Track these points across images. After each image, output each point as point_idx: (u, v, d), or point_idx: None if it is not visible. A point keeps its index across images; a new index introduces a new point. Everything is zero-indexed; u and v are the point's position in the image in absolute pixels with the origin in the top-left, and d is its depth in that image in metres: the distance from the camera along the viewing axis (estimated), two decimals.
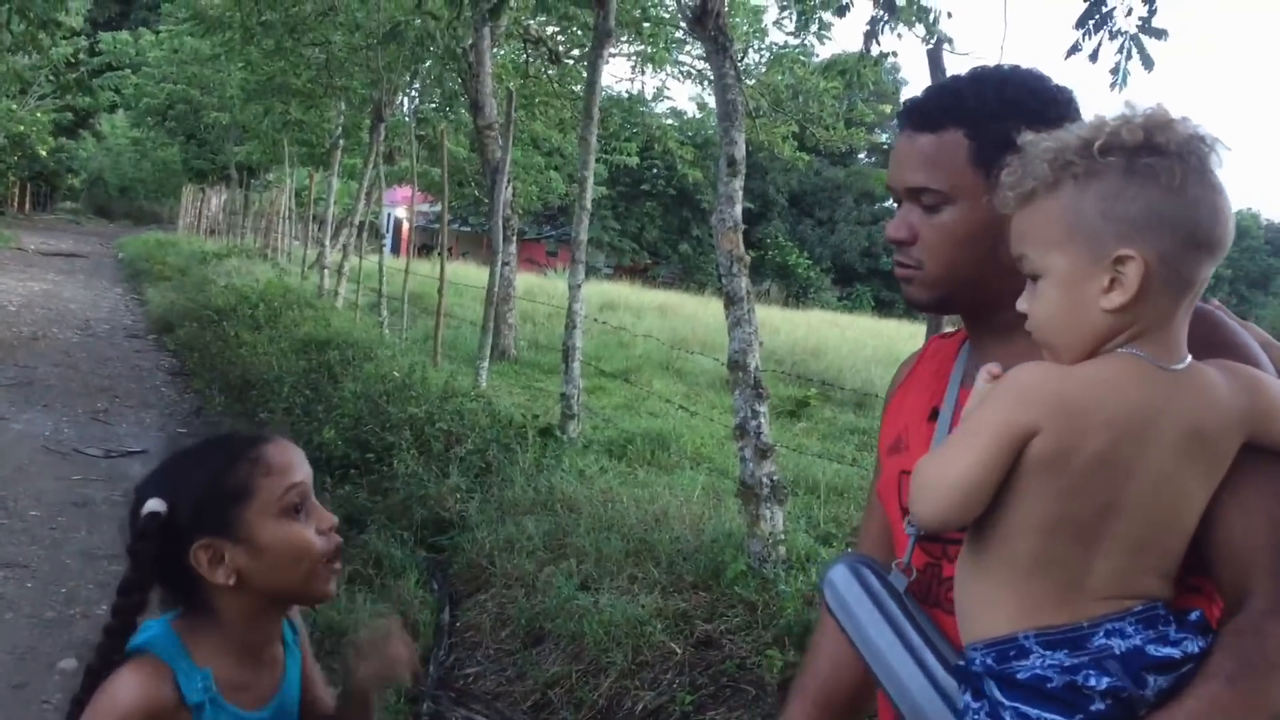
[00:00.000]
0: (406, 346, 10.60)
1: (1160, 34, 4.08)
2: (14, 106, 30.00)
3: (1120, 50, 4.11)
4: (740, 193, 5.05)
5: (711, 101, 7.27)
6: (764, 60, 14.55)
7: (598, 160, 21.80)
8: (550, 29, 11.71)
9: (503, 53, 13.26)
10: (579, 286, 6.74)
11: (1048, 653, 1.12)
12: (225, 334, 11.47)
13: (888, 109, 15.52)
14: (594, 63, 6.66)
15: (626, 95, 17.59)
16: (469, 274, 18.39)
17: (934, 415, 1.41)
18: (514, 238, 10.71)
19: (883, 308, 42.56)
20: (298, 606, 1.65)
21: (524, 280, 17.03)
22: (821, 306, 37.11)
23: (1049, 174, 1.15)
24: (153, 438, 8.33)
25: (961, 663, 1.21)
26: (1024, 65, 1.42)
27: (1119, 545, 1.12)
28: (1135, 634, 1.11)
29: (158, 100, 24.95)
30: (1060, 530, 1.13)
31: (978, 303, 1.39)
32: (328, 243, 15.61)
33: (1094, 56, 4.18)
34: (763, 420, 4.78)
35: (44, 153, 37.40)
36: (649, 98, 21.15)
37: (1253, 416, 1.14)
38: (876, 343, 17.04)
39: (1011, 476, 1.13)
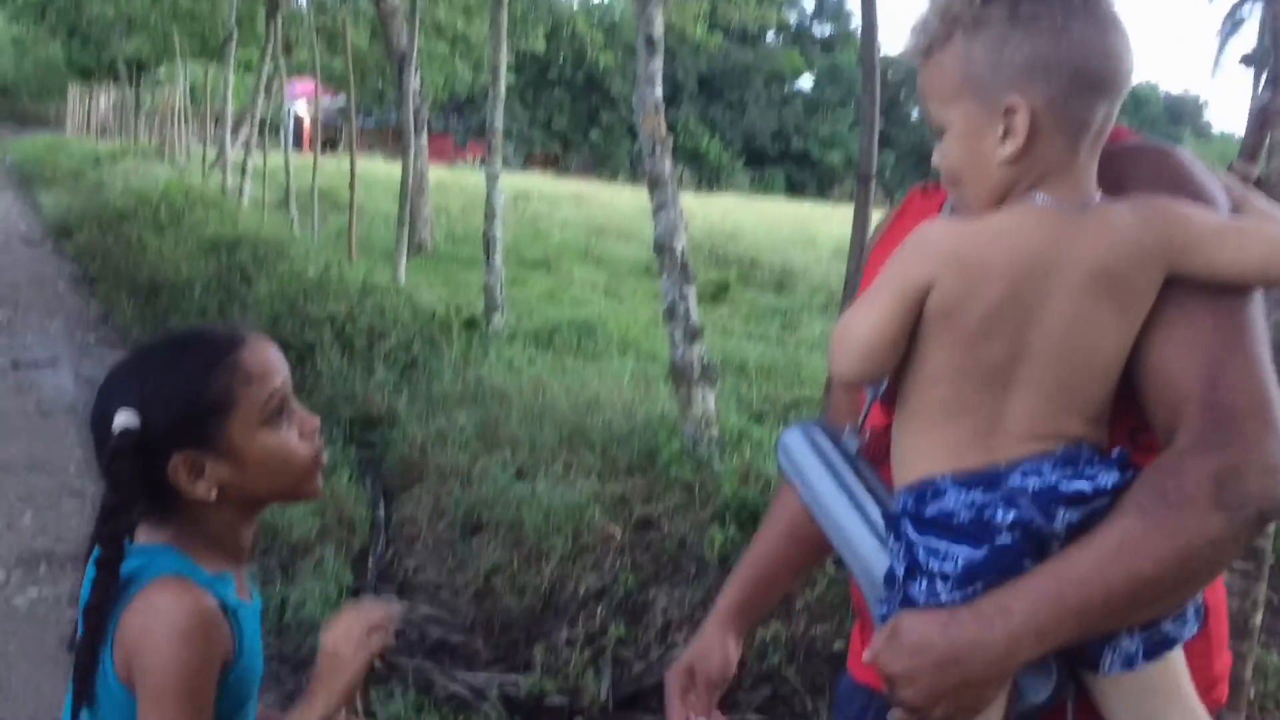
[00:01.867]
0: (320, 244, 10.38)
1: None
2: None
3: None
4: (660, 73, 4.97)
5: None
6: None
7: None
8: None
9: None
10: (497, 176, 6.62)
11: (963, 490, 1.13)
12: (128, 237, 11.10)
13: None
14: None
15: None
16: (376, 169, 17.97)
17: None
18: (424, 128, 10.45)
19: (795, 190, 42.67)
20: None
21: (435, 173, 16.69)
22: (735, 190, 37.03)
23: (941, 28, 1.13)
24: (61, 346, 8.08)
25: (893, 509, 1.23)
26: None
27: (1033, 388, 1.13)
28: (1051, 472, 1.11)
29: None
30: (970, 375, 1.13)
31: None
32: (228, 140, 15.08)
33: None
34: (691, 302, 4.78)
35: None
36: None
37: (1169, 246, 1.12)
38: (791, 225, 17.14)
39: (919, 328, 1.14)
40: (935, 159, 1.19)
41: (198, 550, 1.38)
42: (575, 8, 19.59)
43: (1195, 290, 1.14)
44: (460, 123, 40.64)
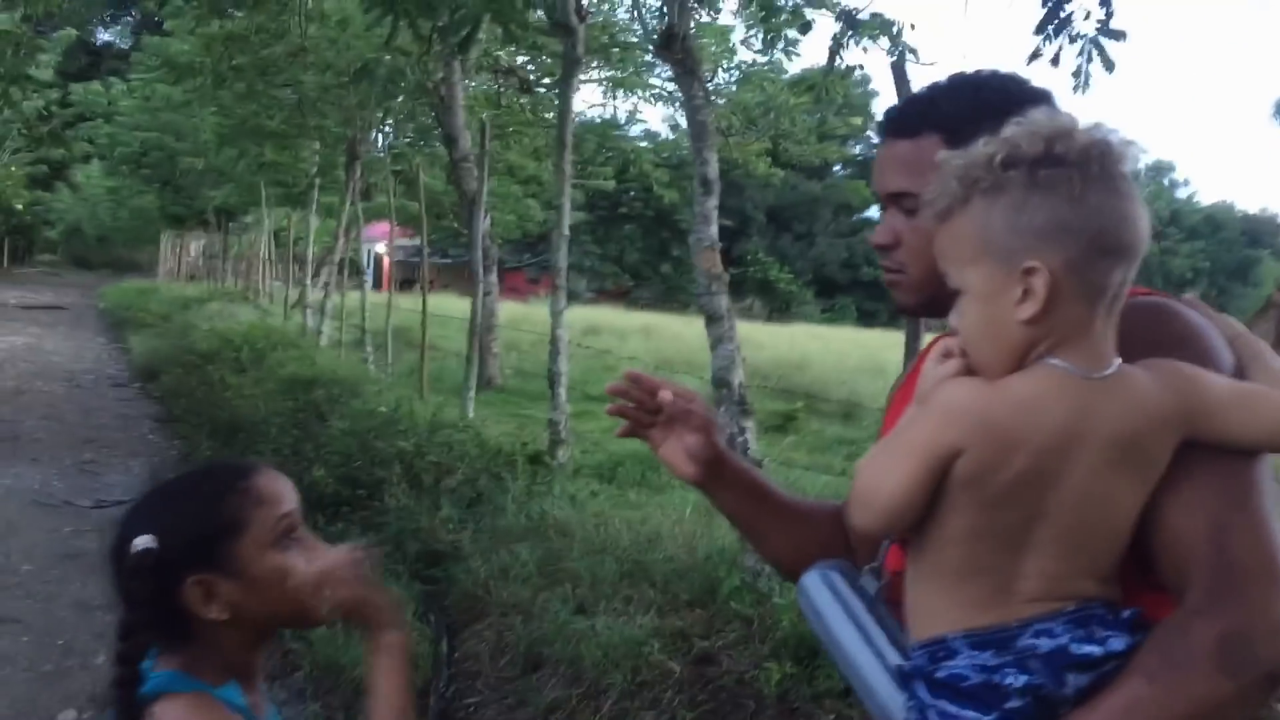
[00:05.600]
0: (392, 381, 10.62)
1: (1119, 35, 4.16)
2: None
3: (1080, 54, 4.19)
4: (715, 211, 5.11)
5: (684, 122, 7.33)
6: (734, 79, 14.67)
7: (574, 186, 21.97)
8: (520, 59, 11.80)
9: (474, 85, 13.34)
10: (562, 312, 6.78)
11: (974, 653, 1.14)
12: (210, 378, 11.46)
13: (858, 121, 15.63)
14: (564, 91, 6.72)
15: (599, 120, 17.64)
16: (450, 305, 18.38)
17: None
18: (494, 267, 10.74)
19: (866, 318, 42.72)
20: None
21: (507, 309, 17.07)
22: (805, 320, 37.21)
23: (960, 190, 1.17)
24: (141, 486, 8.30)
25: (905, 665, 1.24)
26: (1001, 69, 1.45)
27: (1047, 550, 1.14)
28: (1063, 634, 1.12)
29: (131, 148, 24.93)
30: (986, 539, 1.15)
31: None
32: (309, 282, 15.61)
33: (1055, 61, 4.25)
34: (749, 436, 4.82)
35: (19, 206, 37.32)
36: (622, 121, 21.14)
37: (1186, 414, 1.15)
38: (861, 353, 17.13)
39: (940, 490, 1.16)
40: (952, 320, 1.23)
41: (208, 675, 1.45)
42: (641, 147, 20.11)
43: (1202, 450, 1.16)
44: (533, 258, 41.56)
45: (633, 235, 44.39)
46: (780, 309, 40.68)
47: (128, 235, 44.76)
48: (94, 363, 16.29)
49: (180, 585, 1.43)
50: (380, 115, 11.33)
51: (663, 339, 18.03)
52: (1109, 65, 4.16)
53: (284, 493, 1.50)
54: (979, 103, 1.36)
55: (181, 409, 11.17)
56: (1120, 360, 1.17)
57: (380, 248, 33.10)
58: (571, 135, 6.63)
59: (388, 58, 7.17)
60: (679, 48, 5.28)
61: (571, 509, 5.60)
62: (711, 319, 4.98)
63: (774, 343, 18.00)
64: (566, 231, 6.63)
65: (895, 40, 5.43)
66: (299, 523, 1.50)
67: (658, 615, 4.37)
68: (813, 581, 1.40)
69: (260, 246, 20.93)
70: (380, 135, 13.20)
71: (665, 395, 1.55)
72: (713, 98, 5.29)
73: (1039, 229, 1.13)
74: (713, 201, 5.07)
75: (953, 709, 1.13)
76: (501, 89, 13.05)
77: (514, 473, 6.27)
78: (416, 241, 29.01)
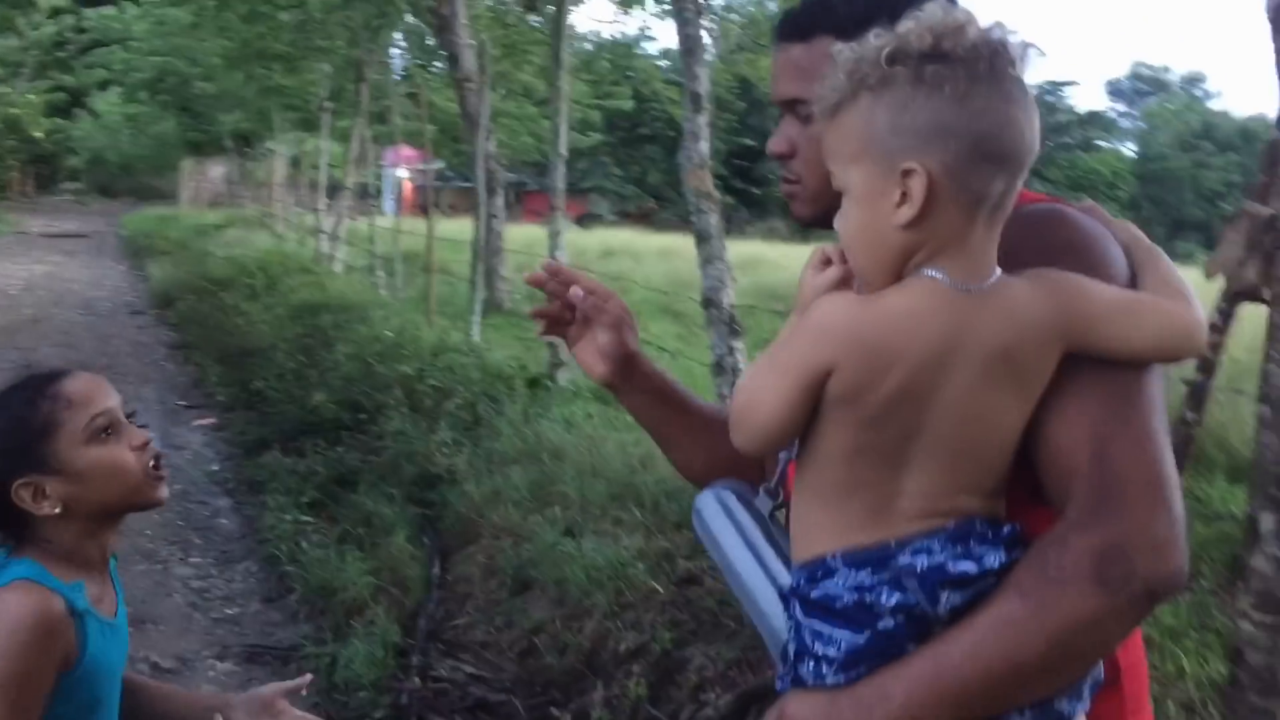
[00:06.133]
0: (401, 306, 10.60)
1: None
2: (6, 89, 29.89)
3: None
4: (706, 129, 5.01)
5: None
6: None
7: (592, 107, 21.74)
8: None
9: (489, 3, 13.12)
10: (559, 233, 6.71)
11: (851, 571, 1.10)
12: (223, 304, 11.50)
13: None
14: (560, 5, 6.57)
15: (611, 39, 17.36)
16: (466, 230, 18.33)
17: None
18: (499, 189, 10.64)
19: None
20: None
21: (526, 232, 16.95)
22: (831, 238, 36.82)
23: (847, 86, 1.11)
24: (152, 411, 8.36)
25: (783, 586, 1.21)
26: None
27: (926, 467, 1.10)
28: (940, 551, 1.09)
29: (147, 74, 24.79)
30: (864, 456, 1.11)
31: None
32: (321, 207, 15.56)
33: None
34: (739, 356, 4.77)
35: (39, 135, 37.35)
36: (631, 39, 20.84)
37: (1066, 325, 1.10)
38: None
39: (818, 408, 1.12)
40: (836, 222, 1.18)
41: (53, 563, 1.55)
42: (653, 65, 19.83)
43: (1088, 363, 1.12)
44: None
45: (655, 156, 43.95)
46: (804, 229, 40.27)
47: (149, 162, 44.74)
48: (112, 290, 16.36)
49: (9, 490, 1.53)
50: (386, 35, 11.12)
51: (681, 260, 17.81)
52: None
53: (95, 394, 1.59)
54: (875, 3, 1.27)
55: (194, 336, 11.24)
56: (1000, 271, 1.12)
57: (402, 172, 32.98)
58: (566, 53, 6.48)
59: None
60: None
61: (566, 432, 5.58)
62: (701, 238, 4.91)
63: (795, 263, 17.82)
64: (564, 152, 6.55)
65: None
66: (117, 418, 1.60)
67: (644, 537, 4.36)
68: (706, 502, 1.38)
69: (275, 172, 20.86)
70: (387, 57, 12.98)
71: (576, 292, 1.49)
72: (723, 13, 5.15)
73: (920, 129, 1.06)
74: (703, 118, 4.97)
75: (825, 629, 1.10)
76: (506, 5, 12.83)
77: (513, 396, 6.26)
78: (438, 165, 28.88)
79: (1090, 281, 1.13)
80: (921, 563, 1.08)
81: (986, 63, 1.06)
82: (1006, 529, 1.11)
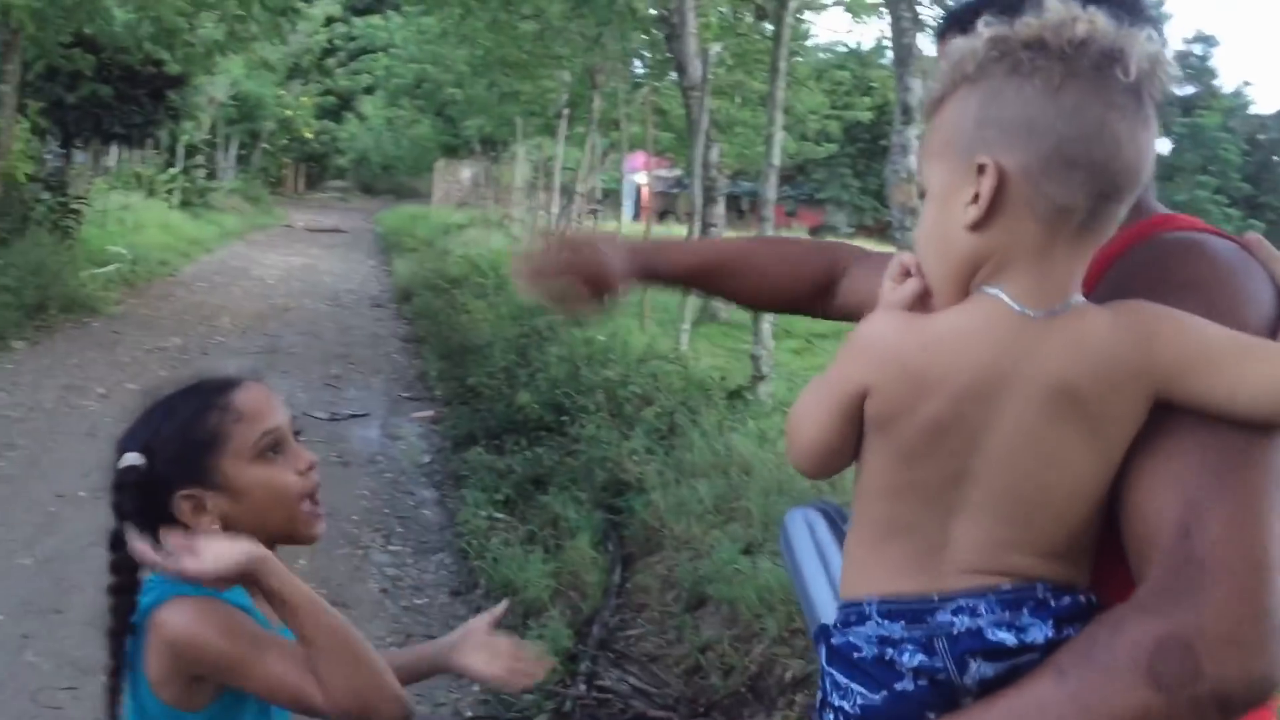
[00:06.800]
0: (619, 310, 10.73)
1: None
2: (281, 92, 32.23)
3: None
4: (915, 142, 4.82)
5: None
6: None
7: (829, 117, 21.49)
8: None
9: (719, 13, 13.15)
10: None
11: (884, 622, 0.99)
12: (454, 301, 11.95)
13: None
14: (779, 14, 6.49)
15: (847, 49, 17.09)
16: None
17: None
18: (719, 197, 10.64)
19: None
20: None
21: None
22: None
23: (949, 78, 1.00)
24: (377, 402, 8.79)
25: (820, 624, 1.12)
26: None
27: (978, 515, 0.97)
28: (988, 614, 0.96)
29: (406, 80, 26.16)
30: (907, 495, 1.00)
31: None
32: (554, 211, 15.99)
33: None
34: None
35: (309, 135, 40.02)
36: (866, 49, 20.47)
37: (1149, 367, 0.95)
38: None
39: (865, 435, 1.02)
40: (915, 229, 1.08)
41: (211, 584, 1.43)
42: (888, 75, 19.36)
43: (1192, 418, 0.96)
44: (792, 191, 41.08)
45: None
46: None
47: (407, 163, 47.21)
48: (360, 283, 17.30)
49: (171, 499, 1.47)
50: (618, 44, 11.31)
51: None
52: None
53: (266, 407, 1.52)
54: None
55: (425, 330, 11.73)
56: (1081, 298, 0.98)
57: (641, 178, 33.58)
58: (785, 61, 6.39)
59: None
60: None
61: (758, 446, 5.49)
62: None
63: None
64: (776, 162, 6.45)
65: None
66: (285, 436, 1.52)
67: None
68: (793, 521, 1.32)
69: (515, 175, 21.59)
70: (622, 64, 13.21)
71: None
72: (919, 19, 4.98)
73: (1004, 121, 0.96)
74: (912, 131, 4.80)
75: (844, 680, 1.01)
76: (738, 15, 12.82)
77: (711, 407, 6.21)
78: (677, 172, 29.26)
79: (1195, 320, 0.97)
80: (961, 624, 0.96)
81: (1093, 62, 0.93)
82: (1068, 600, 0.97)
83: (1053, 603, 0.96)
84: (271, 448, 1.49)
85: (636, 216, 28.09)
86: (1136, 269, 1.05)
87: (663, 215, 31.21)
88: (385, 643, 4.48)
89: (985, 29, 0.98)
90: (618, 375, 6.99)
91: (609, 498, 5.55)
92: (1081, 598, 0.97)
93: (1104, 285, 1.06)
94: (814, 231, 37.53)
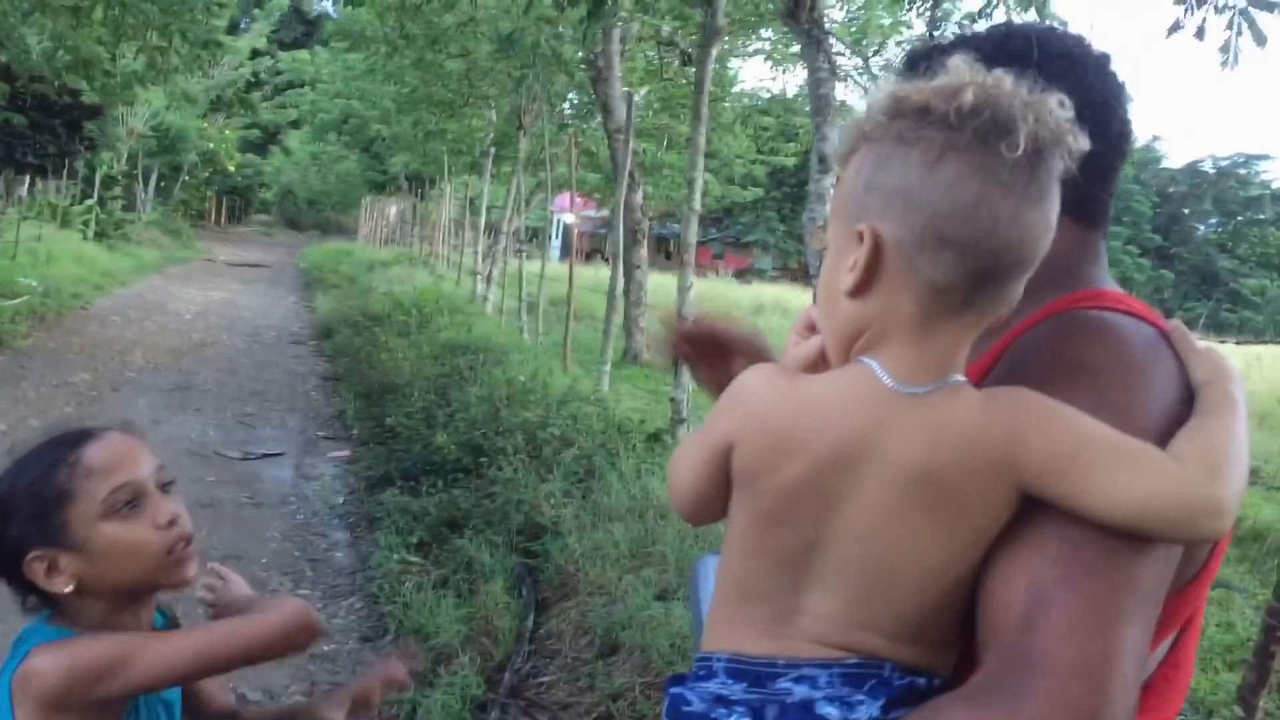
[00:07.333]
0: (541, 350, 10.69)
1: (1273, 6, 3.70)
2: (204, 125, 31.84)
3: (1229, 26, 3.75)
4: (831, 191, 4.88)
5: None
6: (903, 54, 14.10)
7: (755, 162, 21.76)
8: (664, 29, 11.61)
9: (645, 57, 13.26)
10: (689, 288, 6.64)
11: (728, 681, 0.98)
12: (375, 339, 11.82)
13: None
14: (701, 61, 6.55)
15: (770, 95, 17.34)
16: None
17: None
18: (644, 240, 10.68)
19: None
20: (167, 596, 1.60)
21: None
22: None
23: (853, 136, 0.99)
24: (293, 440, 8.63)
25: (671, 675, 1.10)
26: (1059, 26, 1.25)
27: (830, 586, 0.96)
28: (826, 686, 0.94)
29: (331, 115, 26.02)
30: (765, 557, 0.99)
31: None
32: (479, 249, 15.95)
33: (1200, 34, 3.83)
34: None
35: (232, 168, 39.57)
36: (789, 96, 20.79)
37: (1018, 461, 0.92)
38: None
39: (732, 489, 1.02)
40: None
41: (86, 630, 1.44)
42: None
43: (1057, 514, 0.91)
44: (718, 234, 41.46)
45: None
46: None
47: (334, 198, 46.90)
48: (280, 319, 17.06)
49: (21, 560, 1.42)
50: (539, 87, 11.36)
51: None
52: (1260, 39, 3.72)
53: (120, 461, 1.46)
54: (998, 55, 1.09)
55: (344, 368, 11.58)
56: (961, 379, 0.96)
57: (569, 218, 33.64)
58: (707, 107, 6.44)
59: (530, 27, 7.14)
60: (806, 17, 5.05)
61: None
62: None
63: None
64: (697, 207, 6.48)
65: (1042, 11, 5.07)
66: (142, 489, 1.46)
67: None
68: (703, 567, 1.31)
69: (440, 213, 21.52)
70: (549, 106, 13.26)
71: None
72: (837, 71, 5.06)
73: (886, 190, 0.94)
74: (829, 180, 4.85)
75: None
76: (664, 60, 12.93)
77: (630, 450, 6.19)
78: (604, 213, 29.38)
79: (1070, 415, 0.93)
80: (799, 693, 0.94)
81: (979, 133, 0.90)
82: (907, 681, 0.94)
83: (895, 683, 0.94)
84: (127, 503, 1.44)
85: (564, 256, 28.11)
86: (1034, 347, 1.02)
87: (589, 255, 31.28)
88: (290, 692, 4.37)
89: (886, 87, 0.96)
90: (538, 417, 6.94)
91: (524, 541, 5.49)
92: (923, 680, 0.95)
93: (1002, 363, 1.04)
94: (740, 274, 37.88)
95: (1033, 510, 0.92)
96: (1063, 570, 0.88)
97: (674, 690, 1.02)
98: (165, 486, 1.49)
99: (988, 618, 0.91)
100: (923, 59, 1.13)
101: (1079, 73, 1.12)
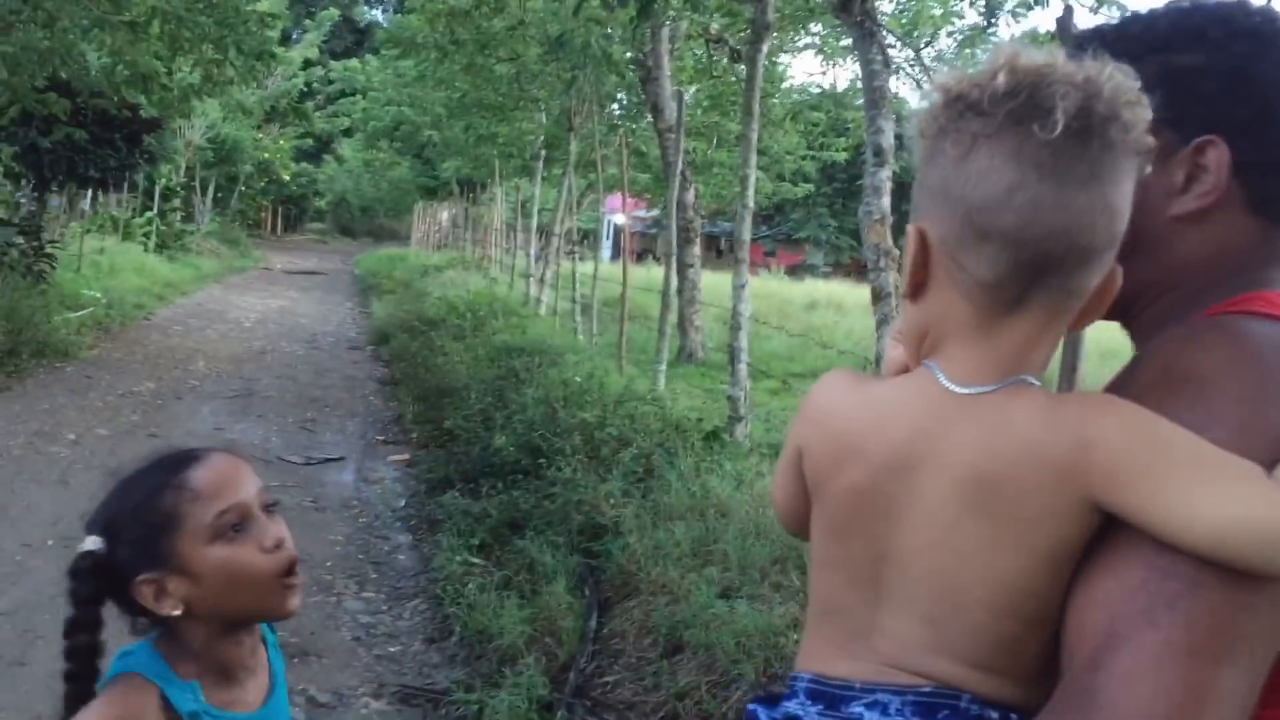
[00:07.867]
0: (596, 351, 10.71)
1: None
2: (259, 135, 32.29)
3: None
4: (888, 184, 4.85)
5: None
6: (955, 45, 13.98)
7: (805, 158, 21.65)
8: (713, 26, 11.57)
9: (694, 55, 13.24)
10: (743, 286, 6.62)
11: (806, 701, 0.96)
12: (431, 343, 11.91)
13: None
14: (752, 57, 6.52)
15: (819, 90, 17.24)
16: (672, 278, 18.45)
17: None
18: (697, 239, 10.65)
19: None
20: None
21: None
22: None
23: (918, 134, 0.96)
24: (353, 444, 8.72)
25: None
26: None
27: (903, 605, 0.92)
28: (895, 714, 0.90)
29: (383, 122, 26.27)
30: (839, 570, 0.96)
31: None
32: (532, 252, 16.02)
33: None
34: None
35: (287, 177, 40.06)
36: (840, 90, 20.66)
37: (1085, 474, 0.85)
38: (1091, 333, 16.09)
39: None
40: None
41: (179, 656, 1.43)
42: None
43: (1144, 537, 0.83)
44: (769, 231, 41.31)
45: None
46: None
47: (387, 205, 47.36)
48: (337, 326, 17.25)
49: (132, 584, 1.41)
50: (593, 88, 11.38)
51: None
52: None
53: (226, 483, 1.44)
54: (1172, 34, 1.03)
55: (402, 373, 11.68)
56: (1031, 379, 0.90)
57: (620, 219, 33.70)
58: (757, 103, 6.41)
59: (579, 28, 7.16)
60: (858, 10, 5.01)
61: (735, 489, 5.45)
62: (877, 296, 4.73)
63: None
64: (750, 203, 6.46)
65: None
66: (249, 512, 1.44)
67: (800, 605, 4.19)
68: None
69: (493, 216, 21.65)
70: (599, 107, 13.28)
71: None
72: (890, 63, 5.02)
73: (930, 188, 0.91)
74: (884, 172, 4.82)
75: None
76: (714, 58, 12.91)
77: (688, 449, 6.18)
78: (655, 213, 29.37)
79: (1158, 424, 0.84)
80: (868, 718, 0.90)
81: (1010, 117, 0.84)
82: (981, 713, 0.89)
83: (970, 714, 0.89)
84: (233, 526, 1.41)
85: (615, 257, 28.15)
86: (1150, 357, 0.94)
87: (640, 256, 31.33)
88: (359, 693, 4.41)
89: (939, 79, 0.92)
90: (595, 417, 6.95)
91: (585, 541, 5.49)
92: (998, 714, 0.89)
93: (1119, 377, 0.98)
94: (792, 271, 37.70)
95: (1118, 531, 0.84)
96: (1143, 602, 0.80)
97: (750, 707, 1.01)
98: (269, 508, 1.48)
99: (1066, 649, 0.85)
100: (1091, 40, 1.05)
101: (1270, 53, 1.01)
